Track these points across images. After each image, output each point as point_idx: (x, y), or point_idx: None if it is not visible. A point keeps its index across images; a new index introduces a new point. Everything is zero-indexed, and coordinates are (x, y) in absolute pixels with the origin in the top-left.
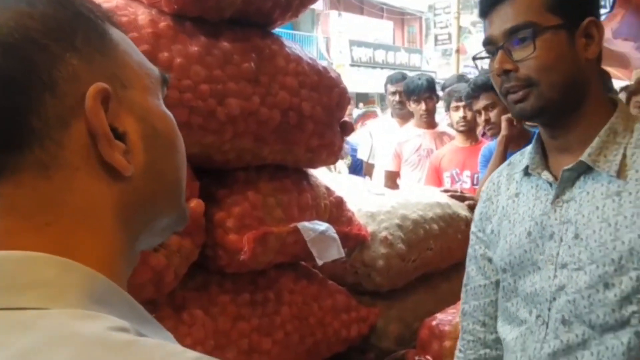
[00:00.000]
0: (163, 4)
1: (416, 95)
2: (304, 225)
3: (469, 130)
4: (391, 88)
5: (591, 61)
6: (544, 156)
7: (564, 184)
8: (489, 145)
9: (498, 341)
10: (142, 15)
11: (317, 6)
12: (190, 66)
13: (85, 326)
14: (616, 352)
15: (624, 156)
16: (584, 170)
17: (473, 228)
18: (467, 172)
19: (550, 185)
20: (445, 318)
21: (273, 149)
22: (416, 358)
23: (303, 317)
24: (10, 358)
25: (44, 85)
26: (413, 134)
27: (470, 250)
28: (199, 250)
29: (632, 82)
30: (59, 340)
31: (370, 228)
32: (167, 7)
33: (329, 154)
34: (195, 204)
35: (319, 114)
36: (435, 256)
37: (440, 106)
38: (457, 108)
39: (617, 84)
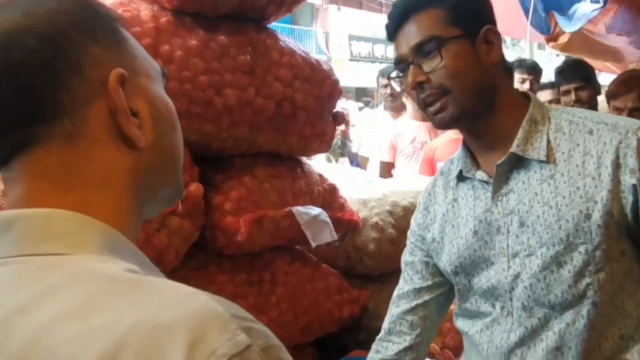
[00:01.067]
0: (164, 1)
1: None
2: (298, 209)
3: None
4: (383, 81)
5: (495, 65)
6: (473, 158)
7: (500, 178)
8: None
9: (421, 344)
10: (145, 11)
11: (316, 1)
12: (190, 59)
13: (104, 267)
14: (578, 326)
15: (548, 141)
16: (515, 162)
17: (410, 237)
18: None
19: (487, 183)
20: None
21: (268, 137)
22: None
23: (297, 297)
24: (42, 292)
25: (73, 69)
26: (409, 126)
27: (407, 257)
28: (199, 231)
29: (610, 86)
30: (83, 276)
31: (362, 214)
32: (167, 4)
33: (321, 142)
34: (195, 187)
35: (311, 105)
36: None
37: None
38: None
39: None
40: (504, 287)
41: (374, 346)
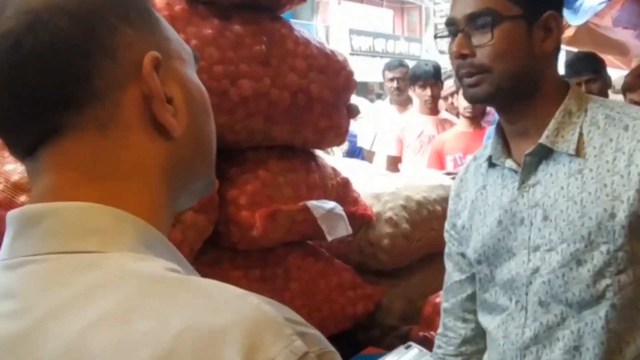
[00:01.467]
0: None
1: (422, 80)
2: (313, 203)
3: (474, 117)
4: (389, 74)
5: (547, 54)
6: (505, 145)
7: (528, 168)
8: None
9: (478, 336)
10: None
11: None
12: (205, 48)
13: (145, 266)
14: (595, 327)
15: (581, 134)
16: (545, 153)
17: (446, 226)
18: (470, 157)
19: (515, 172)
20: None
21: (283, 129)
22: (420, 334)
23: (311, 293)
24: (77, 294)
25: (105, 52)
26: (416, 119)
27: (446, 249)
28: (213, 226)
29: (626, 78)
30: (122, 277)
31: (375, 208)
32: None
33: (336, 135)
34: None
35: (326, 96)
36: (439, 236)
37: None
38: None
39: (617, 73)
40: (521, 280)
41: (436, 341)
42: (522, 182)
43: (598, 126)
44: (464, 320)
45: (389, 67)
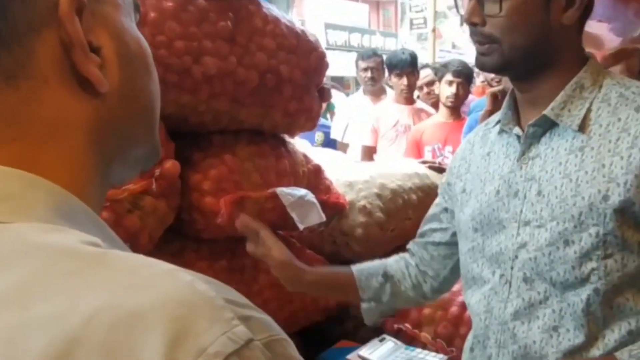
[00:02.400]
0: None
1: (399, 69)
2: (283, 190)
3: (455, 107)
4: (362, 64)
5: (568, 27)
6: (516, 112)
7: (530, 139)
8: (475, 116)
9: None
10: None
11: None
12: (165, 22)
13: (55, 238)
14: (576, 309)
15: (589, 110)
16: (550, 125)
17: (443, 180)
18: (449, 148)
19: (519, 141)
20: None
21: (250, 111)
22: (395, 326)
23: (281, 285)
24: None
25: None
26: (391, 109)
27: (436, 200)
28: (175, 213)
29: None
30: (24, 251)
31: (348, 197)
32: None
33: (307, 119)
34: (171, 164)
35: (297, 78)
36: (414, 226)
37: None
38: (450, 83)
39: None
40: (508, 253)
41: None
42: (523, 153)
43: (609, 104)
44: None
45: (362, 57)
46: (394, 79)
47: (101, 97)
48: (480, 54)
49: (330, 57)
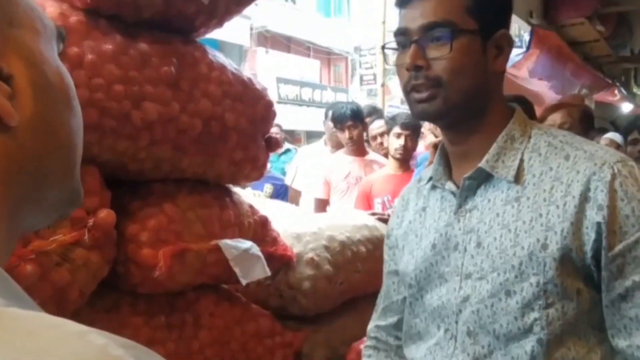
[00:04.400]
0: None
1: (340, 123)
2: (226, 242)
3: (403, 159)
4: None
5: (498, 73)
6: (447, 167)
7: (466, 192)
8: (421, 169)
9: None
10: (51, 8)
11: (245, 43)
12: (104, 65)
13: None
14: None
15: (522, 161)
16: (485, 177)
17: (385, 243)
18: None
19: (454, 195)
20: None
21: (193, 160)
22: None
23: (224, 341)
24: None
25: None
26: (342, 161)
27: (384, 266)
28: (110, 266)
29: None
30: None
31: (296, 249)
32: (79, 2)
33: (253, 168)
34: (105, 213)
35: (243, 126)
36: (363, 279)
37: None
38: (398, 135)
39: None
40: (452, 307)
41: (364, 351)
42: (459, 206)
43: (539, 153)
44: (397, 339)
45: (331, 108)
46: (338, 133)
47: (10, 132)
48: (420, 102)
49: (282, 110)
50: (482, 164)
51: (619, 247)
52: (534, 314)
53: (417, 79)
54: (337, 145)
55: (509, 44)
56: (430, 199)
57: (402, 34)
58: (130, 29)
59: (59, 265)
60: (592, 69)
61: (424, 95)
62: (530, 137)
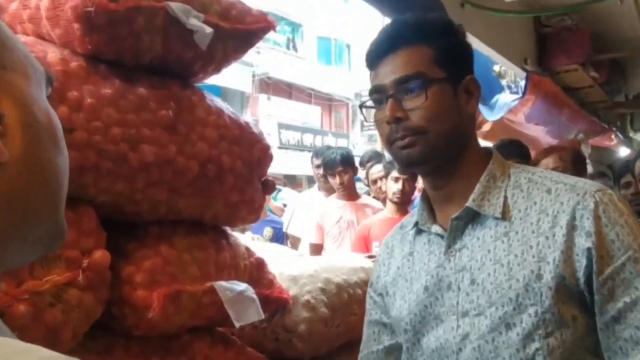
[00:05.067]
0: (76, 45)
1: (330, 169)
2: (221, 284)
3: (402, 203)
4: (316, 161)
5: (470, 115)
6: (431, 211)
7: (454, 232)
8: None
9: None
10: (53, 53)
11: (247, 89)
12: (102, 108)
13: None
14: None
15: (505, 198)
16: (471, 217)
17: (369, 293)
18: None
19: (442, 237)
20: None
21: (190, 202)
22: None
23: None
24: None
25: None
26: (334, 205)
27: (366, 315)
28: (103, 307)
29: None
30: None
31: (292, 292)
32: (80, 48)
33: (250, 211)
34: (100, 254)
35: (239, 169)
36: (359, 322)
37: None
38: (396, 179)
39: None
40: (451, 347)
41: None
42: (449, 246)
43: (521, 189)
44: None
45: (316, 154)
46: (330, 179)
47: (0, 168)
48: (403, 148)
49: (283, 156)
50: (469, 203)
51: (608, 271)
52: (535, 344)
53: (397, 131)
54: (330, 190)
55: (477, 87)
56: (417, 244)
57: (377, 91)
58: (130, 74)
59: (52, 305)
60: (587, 114)
61: (406, 141)
62: (509, 176)
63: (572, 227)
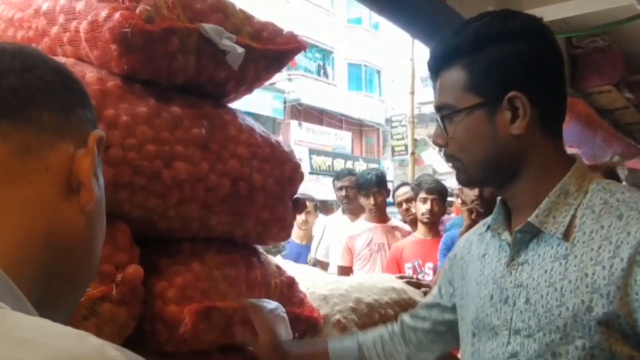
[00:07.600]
0: (113, 65)
1: (365, 189)
2: (252, 302)
3: (432, 223)
4: (338, 184)
5: (522, 136)
6: (508, 216)
7: (518, 245)
8: (451, 233)
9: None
10: (91, 74)
11: (278, 115)
12: (137, 126)
13: None
14: None
15: (574, 217)
16: (536, 232)
17: (441, 280)
18: (429, 264)
19: (509, 245)
20: None
21: (221, 219)
22: None
23: None
24: None
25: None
26: (364, 228)
27: (433, 290)
28: (135, 322)
29: None
30: None
31: (323, 311)
32: (117, 68)
33: (280, 229)
34: (133, 269)
35: (270, 187)
36: None
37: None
38: (424, 200)
39: None
40: None
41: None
42: (512, 258)
43: (593, 210)
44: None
45: (337, 177)
46: (362, 199)
47: (84, 214)
48: (454, 170)
49: (314, 181)
50: (532, 218)
51: None
52: None
53: (443, 154)
54: (354, 212)
55: (523, 102)
56: (490, 247)
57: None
58: (164, 93)
59: (86, 319)
60: (623, 136)
61: (450, 165)
62: (586, 193)
63: (634, 262)
